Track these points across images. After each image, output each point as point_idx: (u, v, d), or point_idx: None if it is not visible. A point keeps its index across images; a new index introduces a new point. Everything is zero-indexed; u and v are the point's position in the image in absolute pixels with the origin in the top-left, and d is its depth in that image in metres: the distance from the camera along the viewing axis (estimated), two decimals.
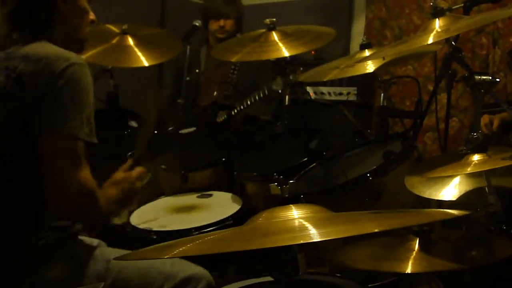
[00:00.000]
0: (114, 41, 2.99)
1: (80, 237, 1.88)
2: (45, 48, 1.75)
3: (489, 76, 2.20)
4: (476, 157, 1.83)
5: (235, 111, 3.13)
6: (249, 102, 3.20)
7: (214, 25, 3.58)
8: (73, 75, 1.69)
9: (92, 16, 1.94)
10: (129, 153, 2.04)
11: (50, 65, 1.69)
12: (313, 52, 3.71)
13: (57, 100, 1.67)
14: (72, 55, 1.73)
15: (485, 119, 2.94)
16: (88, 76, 1.74)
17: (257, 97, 3.16)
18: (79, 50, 1.88)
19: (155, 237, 2.32)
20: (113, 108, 3.17)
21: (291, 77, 2.83)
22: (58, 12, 1.83)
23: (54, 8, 1.83)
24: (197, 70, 3.14)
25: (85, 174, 1.70)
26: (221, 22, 3.55)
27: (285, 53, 2.65)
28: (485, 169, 1.81)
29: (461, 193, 1.97)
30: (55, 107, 1.67)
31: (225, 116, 3.12)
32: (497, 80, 2.19)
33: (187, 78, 3.24)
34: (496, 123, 2.91)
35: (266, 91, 3.09)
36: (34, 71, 1.69)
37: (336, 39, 2.80)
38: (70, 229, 1.82)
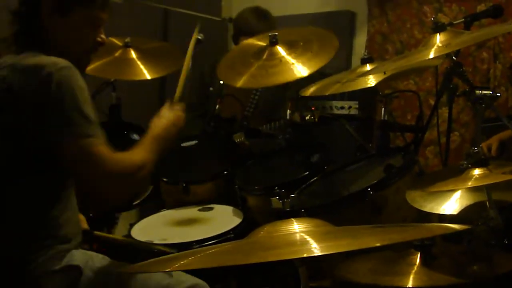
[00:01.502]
0: (117, 54, 3.01)
1: (81, 250, 1.88)
2: (34, 58, 1.75)
3: (490, 90, 2.20)
4: (477, 172, 1.83)
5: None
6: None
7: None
8: (63, 78, 1.69)
9: (100, 38, 1.94)
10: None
11: (39, 72, 1.69)
12: None
13: (52, 106, 1.68)
14: (59, 61, 1.72)
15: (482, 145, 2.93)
16: (79, 77, 1.74)
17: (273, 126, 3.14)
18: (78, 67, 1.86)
19: (155, 250, 2.32)
20: (116, 121, 3.17)
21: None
22: (52, 25, 1.84)
23: (41, 21, 1.83)
24: (221, 82, 3.09)
25: (112, 162, 1.74)
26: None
27: (300, 73, 2.52)
28: (486, 183, 1.81)
29: (462, 208, 1.98)
30: (53, 113, 1.68)
31: (243, 138, 3.09)
32: (498, 94, 2.20)
33: (210, 89, 3.21)
34: (494, 147, 2.90)
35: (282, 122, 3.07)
36: (23, 80, 1.69)
37: (337, 52, 2.80)
38: (71, 241, 1.83)
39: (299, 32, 2.84)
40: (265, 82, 2.67)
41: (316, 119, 2.89)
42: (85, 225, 2.12)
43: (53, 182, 1.79)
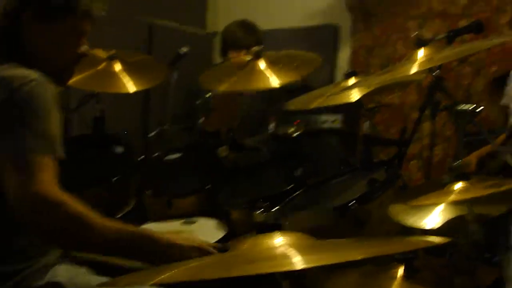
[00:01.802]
0: (101, 66, 3.00)
1: (65, 265, 1.86)
2: (10, 70, 1.73)
3: (471, 105, 2.23)
4: (458, 186, 1.85)
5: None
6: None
7: (234, 56, 3.56)
8: (28, 91, 1.66)
9: (83, 49, 1.92)
10: None
11: (8, 85, 1.67)
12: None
13: (9, 117, 1.65)
14: (31, 74, 1.70)
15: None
16: (48, 92, 1.70)
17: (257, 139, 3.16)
18: (58, 82, 1.85)
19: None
20: (99, 133, 3.16)
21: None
22: (34, 36, 1.82)
23: (28, 30, 1.82)
24: (207, 95, 3.13)
25: (42, 187, 1.60)
26: (242, 54, 3.48)
27: (274, 82, 2.63)
28: (467, 197, 1.83)
29: (444, 221, 1.99)
30: (10, 125, 1.64)
31: (227, 152, 3.10)
32: (480, 109, 2.22)
33: (197, 102, 3.23)
34: (473, 165, 2.93)
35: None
36: None
37: (321, 67, 2.82)
38: (50, 253, 1.81)
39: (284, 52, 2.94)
40: (244, 87, 2.86)
41: (300, 133, 2.91)
42: None
43: None
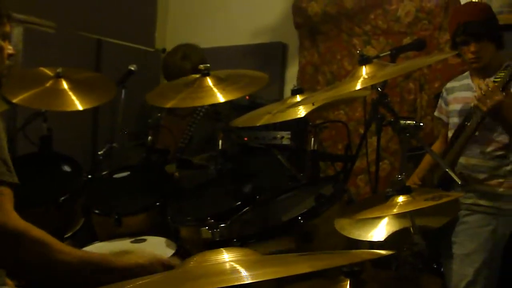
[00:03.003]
0: (48, 84, 2.97)
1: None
2: None
3: (414, 121, 2.30)
4: (401, 199, 1.90)
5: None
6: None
7: None
8: None
9: (9, 49, 1.92)
10: None
11: None
12: (247, 97, 3.77)
13: None
14: None
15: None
16: None
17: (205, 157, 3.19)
18: None
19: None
20: (46, 152, 3.12)
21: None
22: None
23: None
24: (159, 114, 3.17)
25: (5, 217, 1.58)
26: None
27: (220, 98, 2.66)
28: (409, 210, 1.88)
29: (389, 234, 2.04)
30: None
31: (174, 169, 3.12)
32: (421, 124, 2.30)
33: (149, 121, 3.24)
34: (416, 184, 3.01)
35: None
36: None
37: (270, 83, 2.86)
38: None
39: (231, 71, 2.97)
40: (190, 104, 2.86)
41: (248, 149, 2.94)
42: None
43: None
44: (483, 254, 2.81)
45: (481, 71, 2.86)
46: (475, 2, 3.48)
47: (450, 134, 2.96)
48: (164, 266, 1.74)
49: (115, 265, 1.69)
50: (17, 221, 1.61)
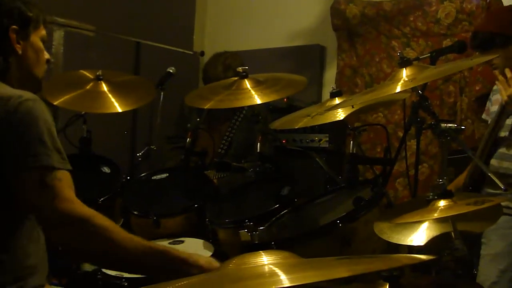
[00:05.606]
0: (88, 86, 3.01)
1: (49, 286, 1.85)
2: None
3: (455, 124, 2.26)
4: (442, 203, 1.87)
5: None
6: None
7: None
8: (28, 109, 1.69)
9: (47, 55, 1.97)
10: None
11: (4, 105, 1.69)
12: (285, 100, 3.77)
13: (18, 137, 1.67)
14: (24, 93, 1.73)
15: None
16: (45, 110, 1.73)
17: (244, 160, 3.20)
18: (36, 89, 1.90)
19: (126, 284, 2.30)
20: (86, 154, 3.16)
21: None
22: (14, 53, 1.85)
23: (10, 49, 1.85)
24: (198, 119, 3.20)
25: (67, 203, 1.64)
26: None
27: (257, 100, 2.66)
28: (450, 214, 1.84)
29: (429, 238, 2.00)
30: (14, 143, 1.67)
31: (214, 176, 3.14)
32: (462, 128, 2.25)
33: (188, 125, 3.26)
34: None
35: None
36: None
37: (308, 86, 2.85)
38: (38, 273, 1.80)
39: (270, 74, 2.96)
40: (228, 105, 2.84)
41: (286, 152, 2.93)
42: None
43: (12, 212, 1.75)
44: (510, 256, 2.76)
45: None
46: (499, 8, 3.44)
47: None
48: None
49: (179, 256, 1.70)
50: (82, 207, 1.66)
